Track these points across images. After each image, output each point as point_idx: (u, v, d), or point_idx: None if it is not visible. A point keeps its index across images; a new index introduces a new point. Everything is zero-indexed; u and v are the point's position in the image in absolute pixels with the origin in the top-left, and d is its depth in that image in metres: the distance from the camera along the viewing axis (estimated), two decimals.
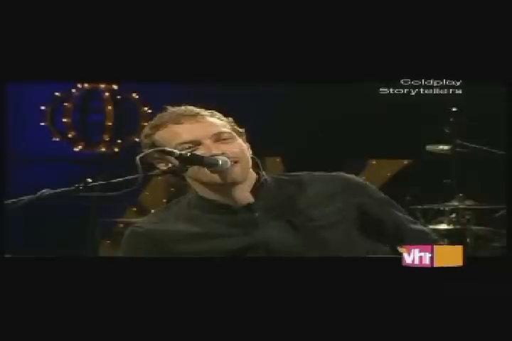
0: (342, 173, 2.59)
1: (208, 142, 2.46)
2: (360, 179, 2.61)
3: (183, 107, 2.54)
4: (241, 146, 2.50)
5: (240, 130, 2.56)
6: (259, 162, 2.56)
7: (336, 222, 2.48)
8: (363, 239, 2.51)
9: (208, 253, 2.46)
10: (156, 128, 2.52)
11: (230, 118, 2.56)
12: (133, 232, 2.54)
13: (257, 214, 2.48)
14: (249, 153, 2.54)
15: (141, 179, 2.26)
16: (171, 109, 2.55)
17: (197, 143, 2.46)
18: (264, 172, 2.56)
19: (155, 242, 2.51)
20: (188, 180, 2.53)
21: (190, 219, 2.52)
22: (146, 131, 2.55)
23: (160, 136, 2.51)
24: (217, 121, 2.51)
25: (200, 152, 2.44)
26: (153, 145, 2.51)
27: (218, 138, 2.48)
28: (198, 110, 2.53)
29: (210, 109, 2.56)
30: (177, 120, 2.50)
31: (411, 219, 2.62)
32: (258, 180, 2.52)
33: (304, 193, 2.52)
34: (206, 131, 2.47)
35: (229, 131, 2.50)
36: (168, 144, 2.48)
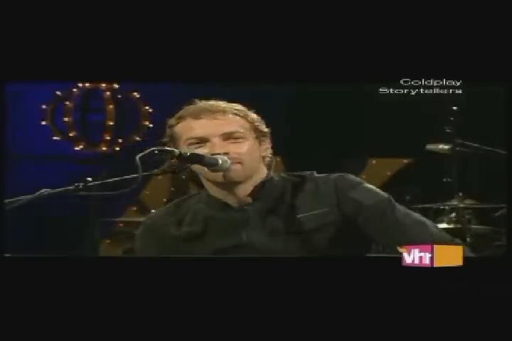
0: (343, 174, 2.53)
1: (215, 140, 2.44)
2: (355, 178, 2.52)
3: (210, 102, 2.51)
4: (250, 147, 2.46)
5: (265, 130, 2.53)
6: (273, 162, 2.53)
7: (327, 224, 2.45)
8: (354, 239, 2.48)
9: (202, 251, 2.47)
10: (179, 119, 2.50)
11: (256, 118, 2.52)
12: (143, 226, 2.58)
13: (250, 215, 2.47)
14: (266, 153, 2.52)
15: (141, 178, 2.26)
16: (198, 102, 2.51)
17: (205, 141, 2.44)
18: (272, 173, 2.53)
19: (158, 238, 2.54)
20: (201, 177, 2.52)
21: (194, 214, 2.53)
22: (171, 121, 2.52)
23: (178, 128, 2.49)
24: (237, 120, 2.48)
25: (204, 150, 2.43)
26: (171, 136, 2.50)
27: (229, 137, 2.45)
28: (223, 106, 2.49)
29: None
30: (196, 114, 2.46)
31: (415, 220, 2.46)
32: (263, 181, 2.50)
33: (300, 195, 2.49)
34: (218, 130, 2.44)
35: (243, 130, 2.46)
36: (180, 138, 2.47)
